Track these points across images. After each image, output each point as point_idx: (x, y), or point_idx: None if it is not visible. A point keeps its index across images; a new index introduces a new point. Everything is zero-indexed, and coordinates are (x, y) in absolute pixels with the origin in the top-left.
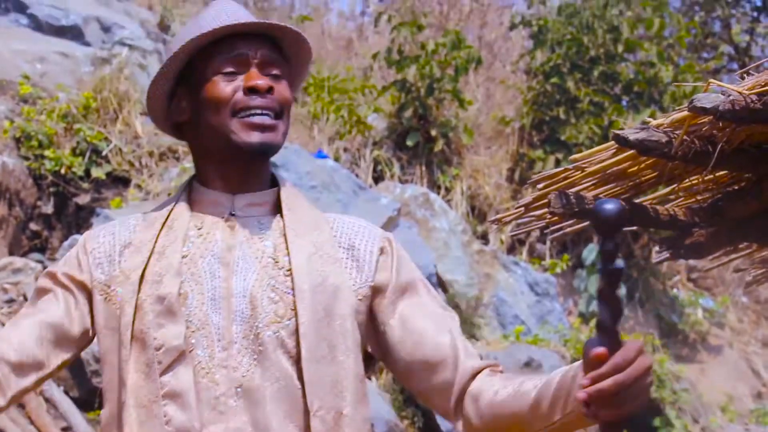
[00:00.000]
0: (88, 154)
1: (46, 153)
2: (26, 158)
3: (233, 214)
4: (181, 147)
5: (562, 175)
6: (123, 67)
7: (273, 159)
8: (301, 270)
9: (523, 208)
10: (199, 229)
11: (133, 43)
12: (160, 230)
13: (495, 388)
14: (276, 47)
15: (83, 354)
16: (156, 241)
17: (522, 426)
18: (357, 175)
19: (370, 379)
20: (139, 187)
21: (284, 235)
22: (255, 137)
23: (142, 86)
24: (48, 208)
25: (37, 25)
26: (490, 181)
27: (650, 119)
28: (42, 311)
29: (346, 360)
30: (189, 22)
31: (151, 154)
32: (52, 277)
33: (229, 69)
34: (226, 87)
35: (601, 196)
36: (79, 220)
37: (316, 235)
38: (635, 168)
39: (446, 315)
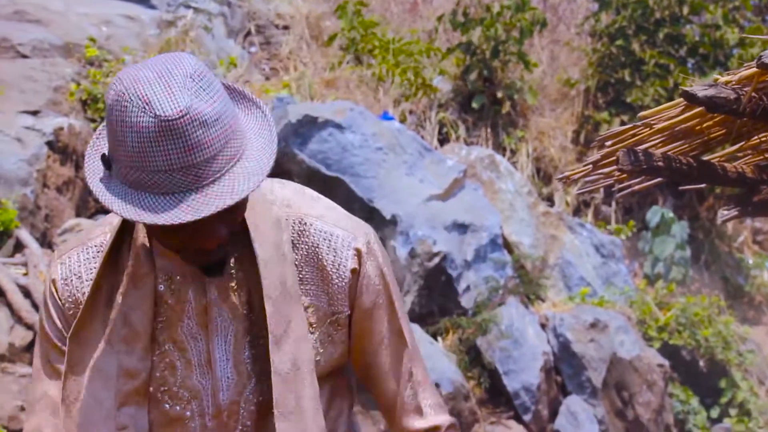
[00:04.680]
0: None
1: None
2: (92, 120)
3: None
4: None
5: (630, 133)
6: (188, 30)
7: (338, 120)
8: (273, 319)
9: (591, 166)
10: (169, 285)
11: (198, 5)
12: (119, 274)
13: None
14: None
15: None
16: (116, 293)
17: None
18: (422, 137)
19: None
20: None
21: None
22: (200, 261)
23: (207, 48)
24: None
25: None
26: (555, 143)
27: (718, 77)
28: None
29: (310, 413)
30: (142, 137)
31: None
32: (49, 344)
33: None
34: (168, 239)
35: (669, 153)
36: None
37: (281, 269)
38: (703, 125)
39: (401, 352)
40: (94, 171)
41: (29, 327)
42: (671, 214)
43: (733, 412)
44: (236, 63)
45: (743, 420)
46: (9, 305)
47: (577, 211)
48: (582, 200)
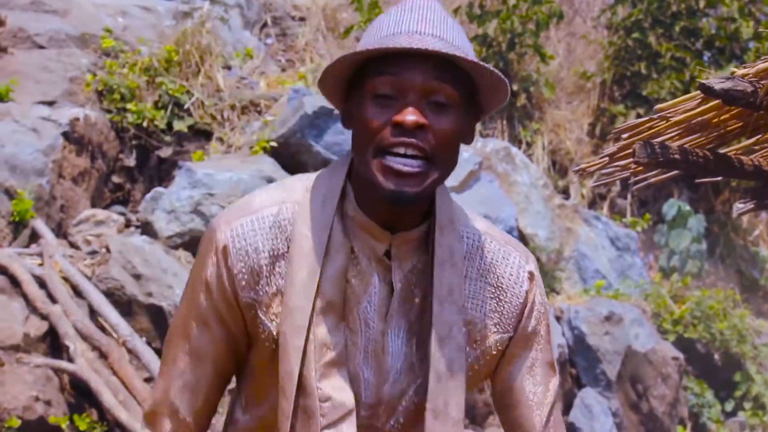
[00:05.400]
0: (170, 108)
1: (129, 106)
2: (108, 111)
3: (389, 253)
4: (263, 101)
5: (647, 125)
6: (204, 21)
7: None
8: (437, 318)
9: (607, 158)
10: (356, 265)
11: None
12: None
13: None
14: (452, 66)
15: (165, 305)
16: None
17: None
18: None
19: None
20: (221, 140)
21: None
22: (390, 184)
23: (223, 40)
24: (130, 161)
25: None
26: (572, 135)
27: (735, 70)
28: (207, 360)
29: (456, 420)
30: (385, 17)
31: (233, 107)
32: (203, 311)
33: (386, 92)
34: (376, 116)
35: (685, 146)
36: (161, 173)
37: (451, 274)
38: (720, 118)
39: (549, 383)
40: None
41: (44, 317)
42: (688, 207)
43: (747, 405)
44: (252, 54)
45: (758, 413)
46: (24, 295)
47: (592, 204)
48: (597, 193)
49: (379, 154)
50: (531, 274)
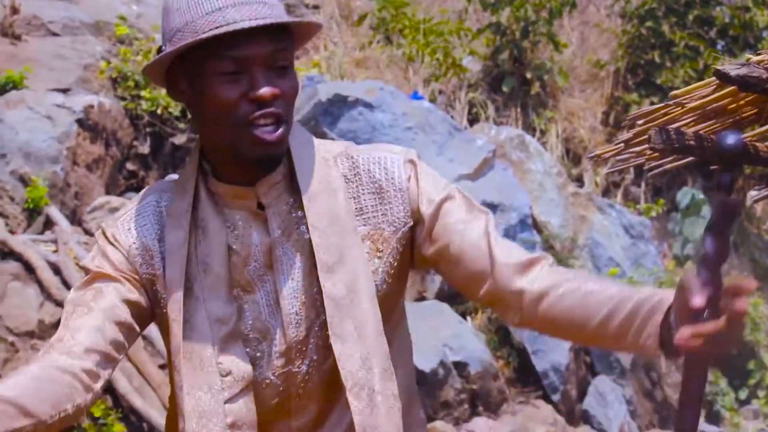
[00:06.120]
0: None
1: (143, 93)
2: (123, 98)
3: (261, 205)
4: None
5: (662, 112)
6: None
7: (368, 100)
8: (320, 248)
9: (622, 144)
10: (233, 231)
11: None
12: (190, 231)
13: (560, 291)
14: (282, 26)
15: None
16: (191, 247)
17: (583, 337)
18: (452, 117)
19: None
20: None
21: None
22: (259, 151)
23: None
24: (144, 148)
25: None
26: (585, 124)
27: (751, 56)
28: (100, 307)
29: (373, 338)
30: None
31: None
32: (95, 273)
33: (231, 69)
34: (228, 92)
35: (700, 132)
36: (175, 160)
37: (330, 202)
38: (735, 104)
39: (478, 222)
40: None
41: (59, 304)
42: (702, 196)
43: (761, 393)
44: None
45: None
46: (39, 282)
47: (606, 192)
48: (611, 181)
49: (242, 127)
50: (411, 161)
